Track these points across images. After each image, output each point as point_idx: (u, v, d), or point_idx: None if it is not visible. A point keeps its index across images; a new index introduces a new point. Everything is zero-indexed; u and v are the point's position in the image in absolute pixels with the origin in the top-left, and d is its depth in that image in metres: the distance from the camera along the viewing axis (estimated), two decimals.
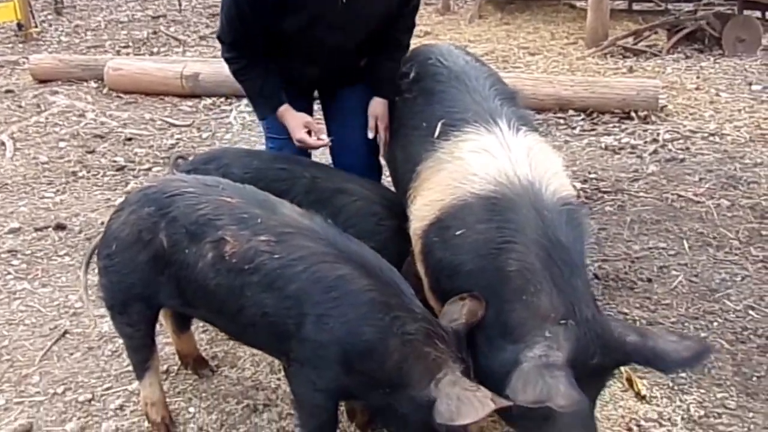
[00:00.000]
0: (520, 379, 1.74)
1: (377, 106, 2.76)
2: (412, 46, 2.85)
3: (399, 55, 2.79)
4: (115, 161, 4.58)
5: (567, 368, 1.74)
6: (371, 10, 2.59)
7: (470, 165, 2.14)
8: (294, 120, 2.62)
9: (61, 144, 4.90)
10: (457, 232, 2.06)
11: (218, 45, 2.71)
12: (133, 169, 4.46)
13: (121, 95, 5.81)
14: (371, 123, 2.75)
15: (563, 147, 4.70)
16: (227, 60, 2.68)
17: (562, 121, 5.19)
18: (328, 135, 2.72)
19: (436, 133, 2.32)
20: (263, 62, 2.64)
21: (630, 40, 7.28)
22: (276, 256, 1.94)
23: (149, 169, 4.45)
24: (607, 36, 7.25)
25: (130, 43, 7.91)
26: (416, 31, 8.34)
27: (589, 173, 4.27)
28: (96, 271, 2.26)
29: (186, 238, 2.02)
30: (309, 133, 2.61)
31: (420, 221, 2.21)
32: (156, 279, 2.10)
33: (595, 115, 5.19)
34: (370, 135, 2.77)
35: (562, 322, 1.82)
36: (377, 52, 2.74)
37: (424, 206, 2.21)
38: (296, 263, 1.93)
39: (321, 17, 2.50)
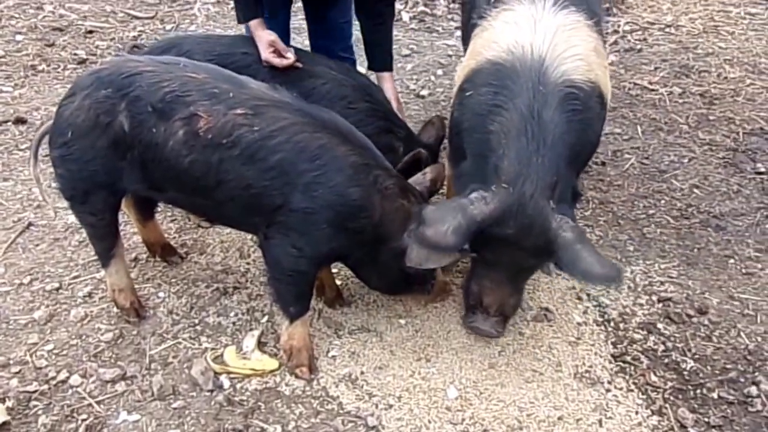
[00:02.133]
0: (441, 204, 1.98)
1: (390, 87, 2.81)
2: None
3: (390, 17, 2.82)
4: (75, 54, 4.33)
5: (478, 222, 1.86)
6: None
7: (497, 33, 2.18)
8: (261, 39, 2.52)
9: (18, 37, 4.59)
10: (467, 94, 2.16)
11: None
12: (95, 63, 4.21)
13: None
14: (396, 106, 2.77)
15: None
16: None
17: None
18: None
19: (487, 2, 2.32)
20: None
21: None
22: (255, 128, 1.89)
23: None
24: None
25: None
26: None
27: None
28: (50, 162, 2.12)
29: (152, 117, 1.91)
30: (275, 52, 2.50)
31: (456, 85, 2.30)
32: (118, 164, 1.99)
33: None
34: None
35: (505, 186, 1.90)
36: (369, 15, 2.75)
37: (460, 70, 2.30)
38: (277, 134, 1.90)
39: None
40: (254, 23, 2.56)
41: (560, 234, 1.87)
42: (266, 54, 2.49)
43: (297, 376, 2.14)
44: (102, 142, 1.96)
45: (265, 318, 2.33)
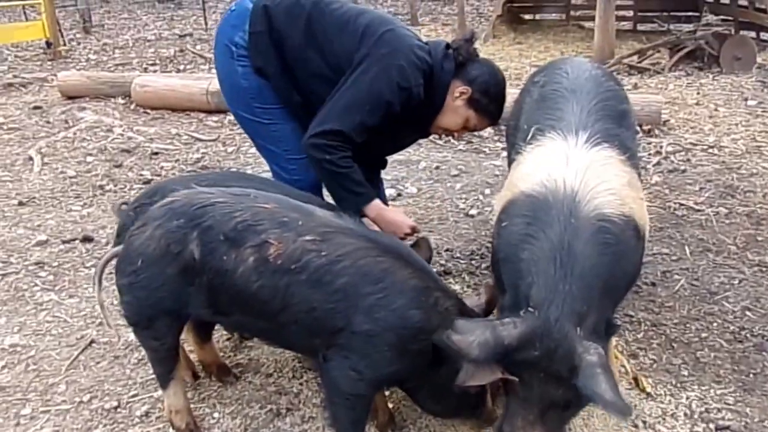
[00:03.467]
0: (469, 328, 1.92)
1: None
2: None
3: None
4: (141, 175, 4.56)
5: (506, 344, 1.86)
6: None
7: (532, 167, 2.26)
8: (397, 213, 2.67)
9: (89, 158, 4.88)
10: (503, 224, 2.20)
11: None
12: None
13: (148, 111, 5.81)
14: None
15: None
16: (330, 148, 2.53)
17: None
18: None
19: (529, 137, 2.41)
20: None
21: (635, 58, 7.27)
22: (323, 253, 1.96)
23: None
24: (613, 54, 7.23)
25: (157, 61, 7.94)
26: None
27: None
28: (115, 290, 2.18)
29: (223, 245, 1.99)
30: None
31: (494, 215, 2.38)
32: (185, 290, 2.05)
33: None
34: None
35: (531, 310, 1.91)
36: None
37: (497, 201, 2.40)
38: (343, 259, 1.97)
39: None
40: (378, 202, 2.62)
41: (584, 357, 1.85)
42: (410, 221, 2.64)
43: None
44: (171, 269, 2.04)
45: None
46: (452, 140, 5.02)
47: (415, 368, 2.04)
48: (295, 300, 1.97)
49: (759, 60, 7.03)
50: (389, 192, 4.14)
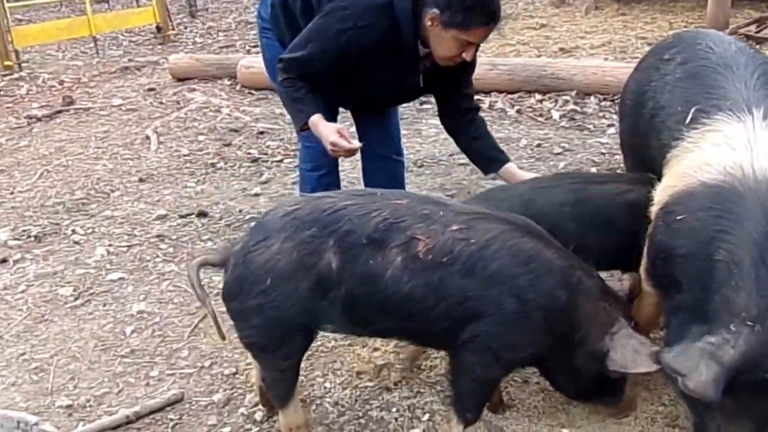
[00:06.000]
0: (682, 349, 1.77)
1: (518, 171, 2.84)
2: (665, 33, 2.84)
3: (476, 108, 2.96)
4: (249, 153, 4.75)
5: (729, 368, 1.68)
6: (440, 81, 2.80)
7: (708, 155, 2.06)
8: (327, 127, 2.61)
9: (200, 137, 5.12)
10: (679, 217, 2.03)
11: None
12: (266, 161, 4.61)
13: (253, 92, 6.02)
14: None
15: None
16: (282, 72, 2.68)
17: None
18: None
19: (688, 119, 2.22)
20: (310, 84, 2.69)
21: (752, 27, 6.85)
22: (472, 240, 1.94)
23: (281, 160, 4.58)
24: (728, 24, 6.85)
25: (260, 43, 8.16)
26: (532, 23, 8.18)
27: None
28: (234, 315, 2.09)
29: (366, 249, 1.93)
30: (342, 137, 2.58)
31: (656, 206, 2.20)
32: (319, 305, 1.98)
33: None
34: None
35: (749, 323, 1.72)
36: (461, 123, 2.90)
37: (660, 191, 2.20)
38: (491, 243, 1.95)
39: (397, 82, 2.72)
40: (316, 118, 2.62)
41: None
42: (334, 137, 2.55)
43: None
44: (305, 283, 1.96)
45: (426, 416, 2.36)
46: (553, 117, 4.94)
47: (555, 349, 2.01)
48: (449, 293, 1.93)
49: None
50: None
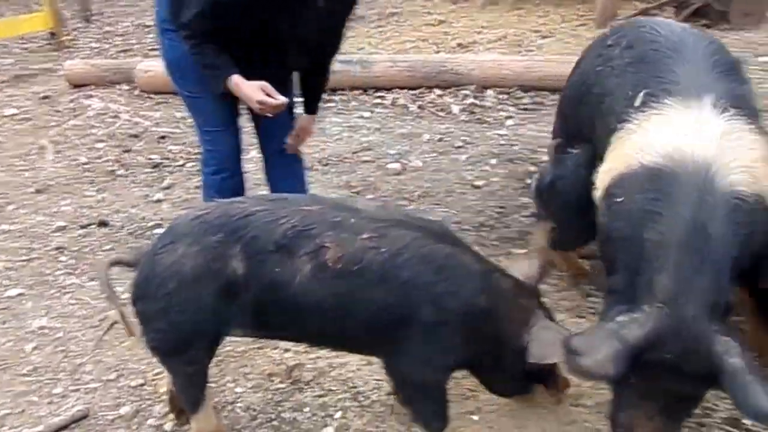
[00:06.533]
0: (591, 330, 1.85)
1: (307, 121, 2.96)
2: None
3: (328, 71, 2.98)
4: (150, 159, 4.60)
5: (631, 347, 1.71)
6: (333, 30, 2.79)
7: (651, 138, 2.05)
8: (250, 86, 2.55)
9: (99, 145, 4.92)
10: (617, 200, 2.05)
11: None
12: (168, 166, 4.48)
13: (152, 96, 5.82)
14: (294, 136, 2.94)
15: None
16: (186, 39, 2.60)
17: None
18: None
19: (637, 103, 2.19)
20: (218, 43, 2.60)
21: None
22: (383, 249, 1.92)
23: (183, 165, 4.46)
24: (616, 15, 7.14)
25: (158, 46, 7.91)
26: (430, 19, 8.21)
27: None
28: (140, 317, 2.02)
29: (274, 256, 1.90)
30: (267, 95, 2.54)
31: (599, 189, 2.20)
32: (227, 310, 1.94)
33: None
34: (290, 148, 2.96)
35: (660, 305, 1.76)
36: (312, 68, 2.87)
37: (603, 174, 2.19)
38: (403, 251, 1.92)
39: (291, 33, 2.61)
40: (236, 78, 2.56)
41: (727, 360, 1.68)
42: (259, 96, 2.52)
43: None
44: (211, 288, 1.92)
45: (339, 414, 2.36)
46: (453, 111, 5.03)
47: (482, 350, 2.03)
48: (362, 302, 1.92)
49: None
50: (394, 166, 4.19)
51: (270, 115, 2.64)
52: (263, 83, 2.56)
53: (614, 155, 2.17)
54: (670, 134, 2.00)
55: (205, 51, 2.59)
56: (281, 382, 2.51)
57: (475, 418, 2.32)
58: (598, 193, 2.20)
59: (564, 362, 1.83)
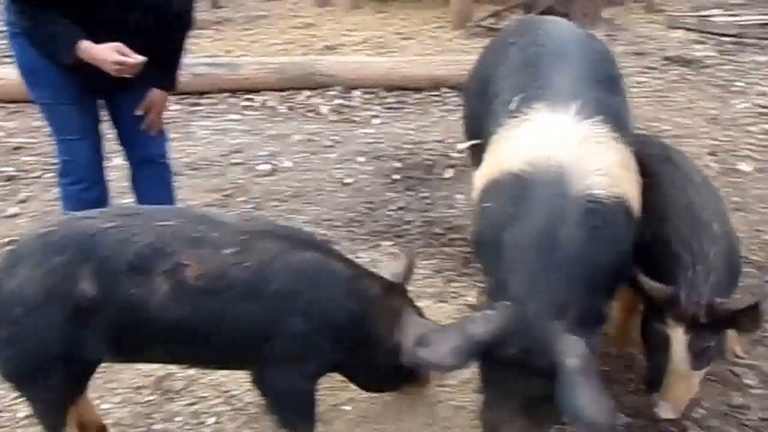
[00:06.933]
0: (446, 328, 1.88)
1: (158, 96, 2.79)
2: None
3: (179, 41, 2.78)
4: (4, 171, 4.29)
5: (474, 342, 1.75)
6: None
7: (518, 143, 2.07)
8: (102, 49, 2.40)
9: None
10: (485, 205, 2.07)
11: None
12: (24, 179, 4.19)
13: (6, 105, 5.44)
14: (145, 108, 2.77)
15: (439, 122, 4.81)
16: (24, 20, 2.47)
17: (437, 98, 5.30)
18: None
19: (512, 107, 2.19)
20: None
21: (492, 20, 7.49)
22: (247, 264, 1.84)
23: (40, 176, 4.19)
24: (471, 17, 7.43)
25: (10, 52, 7.40)
26: (298, 22, 8.20)
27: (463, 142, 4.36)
28: None
29: (128, 277, 1.78)
30: (123, 54, 2.41)
31: (474, 193, 2.21)
32: (79, 334, 1.81)
33: None
34: (148, 126, 2.82)
35: (508, 303, 1.80)
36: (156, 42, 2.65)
37: (478, 178, 2.20)
38: (271, 263, 1.86)
39: None
40: (86, 43, 2.41)
41: (564, 360, 1.69)
42: (115, 56, 2.39)
43: None
44: (59, 313, 1.78)
45: (212, 420, 2.31)
46: (322, 111, 5.05)
47: (353, 354, 2.02)
48: (229, 319, 1.85)
49: (605, 15, 7.39)
50: (264, 167, 4.15)
51: (129, 75, 2.46)
52: (116, 44, 2.40)
53: (488, 160, 2.21)
54: (534, 140, 2.03)
55: (45, 20, 2.42)
56: (151, 394, 2.42)
57: (348, 408, 2.35)
58: (474, 195, 2.24)
59: (407, 352, 1.87)
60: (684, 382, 2.06)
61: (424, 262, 3.14)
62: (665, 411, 2.08)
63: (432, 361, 1.77)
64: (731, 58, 6.12)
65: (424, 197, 3.80)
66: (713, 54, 6.24)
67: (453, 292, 2.92)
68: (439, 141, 4.48)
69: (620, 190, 1.97)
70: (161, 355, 2.01)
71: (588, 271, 1.84)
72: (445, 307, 2.79)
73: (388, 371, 2.06)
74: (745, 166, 3.97)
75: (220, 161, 4.28)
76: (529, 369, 1.76)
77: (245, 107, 5.23)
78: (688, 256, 2.05)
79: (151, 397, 2.40)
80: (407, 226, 3.50)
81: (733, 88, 5.29)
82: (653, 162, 2.35)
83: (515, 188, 1.96)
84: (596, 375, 1.73)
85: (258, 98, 5.35)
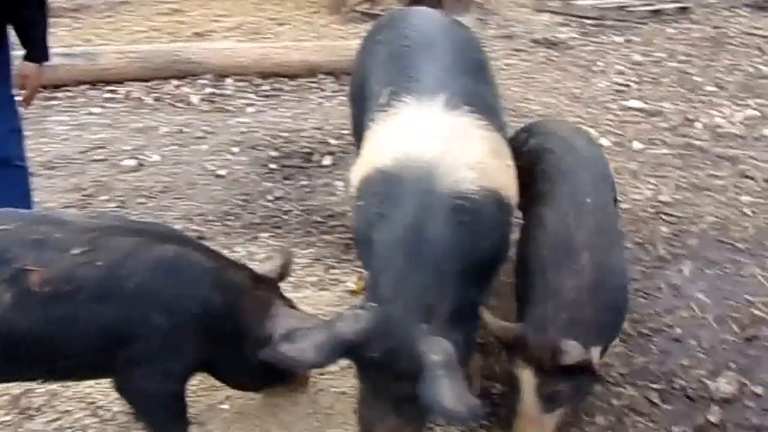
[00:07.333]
0: (304, 334, 1.78)
1: (30, 69, 2.67)
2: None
3: (40, 4, 2.64)
4: None
5: (337, 341, 1.71)
6: None
7: (386, 139, 2.02)
8: None
9: None
10: (358, 203, 2.03)
11: None
12: None
13: None
14: (20, 84, 2.65)
15: (317, 109, 4.74)
16: None
17: (314, 84, 5.23)
18: None
19: (382, 101, 2.13)
20: None
21: (367, 5, 7.49)
22: (99, 263, 1.72)
23: None
24: (346, 3, 7.39)
25: None
26: (163, 8, 7.85)
27: (342, 130, 4.32)
28: None
29: None
30: None
31: (351, 190, 2.16)
32: None
33: (342, 76, 5.26)
34: (18, 97, 2.68)
35: (375, 304, 1.77)
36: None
37: (353, 175, 2.14)
38: (126, 260, 1.74)
39: None
40: None
41: (426, 358, 1.67)
42: None
43: None
44: None
45: None
46: (193, 102, 4.86)
47: (221, 349, 1.92)
48: (83, 324, 1.72)
49: (476, 0, 7.56)
50: (129, 163, 3.93)
51: None
52: None
53: (361, 156, 2.18)
54: (401, 135, 2.00)
55: None
56: (6, 414, 2.22)
57: (226, 407, 2.25)
58: (351, 192, 2.20)
59: (267, 347, 1.81)
60: (534, 426, 1.94)
61: (304, 251, 3.09)
62: None
63: (292, 356, 1.71)
64: (593, 39, 6.45)
65: (302, 186, 3.74)
66: (576, 36, 6.55)
67: (333, 280, 2.88)
68: (317, 128, 4.42)
69: (490, 182, 1.95)
70: (9, 373, 1.85)
71: (458, 267, 1.82)
72: (326, 295, 2.75)
73: (261, 368, 1.95)
74: (605, 141, 4.17)
75: (80, 158, 4.01)
76: (395, 371, 1.74)
77: (107, 100, 4.93)
78: (543, 288, 1.92)
79: (6, 418, 2.20)
80: (286, 216, 3.42)
81: (594, 68, 5.58)
82: (548, 163, 2.24)
83: (383, 186, 1.93)
84: (460, 371, 1.71)
85: (122, 90, 5.05)
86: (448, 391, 1.61)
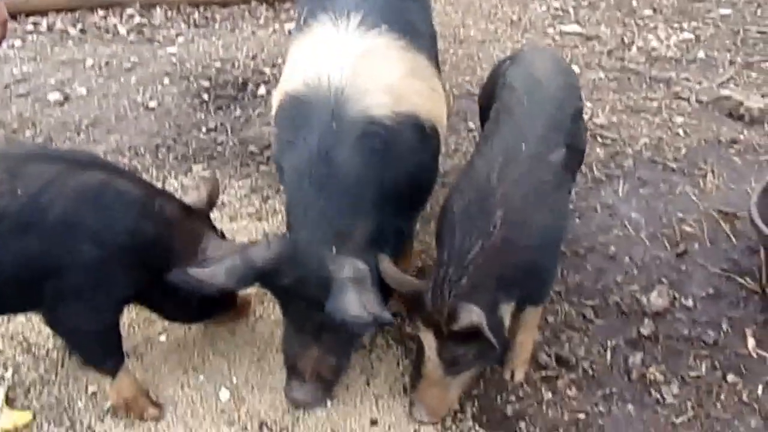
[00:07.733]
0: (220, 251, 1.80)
1: None
2: None
3: None
4: None
5: (250, 266, 1.72)
6: None
7: (297, 63, 1.94)
8: None
9: None
10: (275, 130, 1.98)
11: None
12: None
13: None
14: None
15: (250, 37, 4.58)
16: None
17: (247, 13, 5.03)
18: None
19: (300, 20, 2.04)
20: None
21: None
22: (20, 191, 1.64)
23: None
24: None
25: None
26: None
27: (277, 57, 4.19)
28: None
29: None
30: None
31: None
32: None
33: (276, 4, 5.09)
34: None
35: (285, 234, 1.77)
36: None
37: (273, 102, 2.06)
38: (47, 188, 1.67)
39: None
40: None
41: (335, 276, 1.67)
42: None
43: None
44: None
45: (9, 371, 2.11)
46: (120, 32, 4.63)
47: (153, 280, 1.87)
48: (5, 257, 1.66)
49: None
50: (55, 97, 3.75)
51: None
52: None
53: (280, 81, 2.09)
54: (312, 58, 1.92)
55: None
56: None
57: (163, 339, 2.24)
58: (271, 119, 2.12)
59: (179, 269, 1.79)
60: (437, 388, 1.86)
61: (239, 183, 3.04)
62: (419, 414, 1.90)
63: (201, 278, 1.71)
64: None
65: (236, 116, 3.63)
66: None
67: (270, 210, 2.84)
68: (251, 57, 4.28)
69: (405, 107, 1.87)
70: None
71: (370, 194, 1.78)
72: (263, 225, 2.71)
73: (195, 298, 1.93)
74: None
75: (1, 93, 3.80)
76: (308, 298, 1.73)
77: (29, 32, 4.66)
78: (449, 246, 1.76)
79: None
80: (220, 148, 3.34)
81: None
82: (502, 100, 2.01)
83: (292, 111, 1.89)
84: (372, 289, 1.70)
85: (44, 21, 4.78)
86: (354, 301, 1.62)
